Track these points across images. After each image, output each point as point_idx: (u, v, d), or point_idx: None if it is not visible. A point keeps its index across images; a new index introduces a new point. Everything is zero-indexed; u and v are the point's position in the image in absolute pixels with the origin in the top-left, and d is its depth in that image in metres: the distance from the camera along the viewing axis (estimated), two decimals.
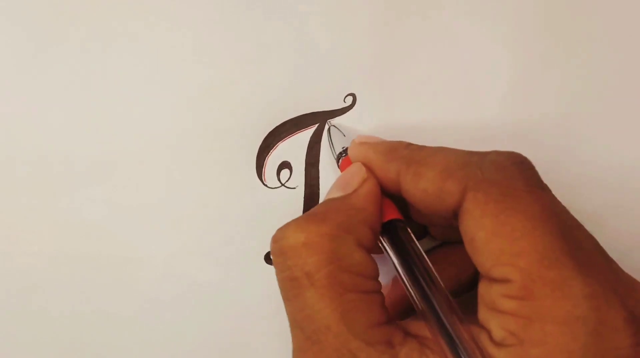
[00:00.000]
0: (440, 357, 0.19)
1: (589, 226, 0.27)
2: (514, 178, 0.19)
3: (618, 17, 0.27)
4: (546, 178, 0.27)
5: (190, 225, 0.27)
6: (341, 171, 0.25)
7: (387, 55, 0.27)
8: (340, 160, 0.26)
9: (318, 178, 0.28)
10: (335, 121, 0.27)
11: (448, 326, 0.19)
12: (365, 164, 0.23)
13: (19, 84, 0.27)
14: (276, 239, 0.20)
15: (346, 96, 0.27)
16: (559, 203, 0.20)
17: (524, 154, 0.27)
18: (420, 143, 0.25)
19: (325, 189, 0.28)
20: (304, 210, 0.28)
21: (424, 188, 0.20)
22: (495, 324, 0.18)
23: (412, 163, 0.21)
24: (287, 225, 0.20)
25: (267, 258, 0.28)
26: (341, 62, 0.27)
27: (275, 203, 0.27)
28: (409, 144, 0.22)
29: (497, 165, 0.20)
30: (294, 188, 0.27)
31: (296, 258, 0.19)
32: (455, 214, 0.20)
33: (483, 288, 0.19)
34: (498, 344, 0.18)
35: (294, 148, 0.27)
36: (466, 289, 0.23)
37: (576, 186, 0.27)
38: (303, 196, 0.27)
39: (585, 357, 0.17)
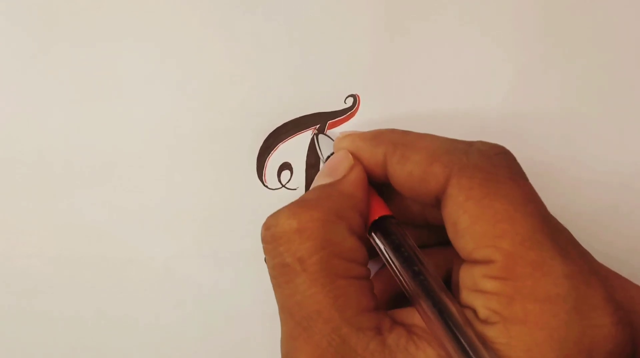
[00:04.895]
0: (428, 342, 0.19)
1: (590, 226, 0.27)
2: (498, 166, 0.20)
3: (619, 16, 0.27)
4: (547, 178, 0.27)
5: (191, 226, 0.27)
6: None
7: (388, 56, 0.27)
8: None
9: None
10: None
11: (448, 316, 0.19)
12: (352, 153, 0.23)
13: (19, 85, 0.27)
14: (268, 226, 0.20)
15: (347, 97, 0.27)
16: (537, 194, 0.20)
17: (527, 154, 0.27)
18: None
19: None
20: None
21: (409, 171, 0.21)
22: (479, 304, 0.18)
23: (398, 145, 0.21)
24: (279, 212, 0.20)
25: None
26: (342, 63, 0.27)
27: (276, 204, 0.27)
28: (394, 129, 0.23)
29: (483, 153, 0.20)
30: (295, 189, 0.27)
31: (289, 244, 0.19)
32: (437, 200, 0.20)
33: (464, 272, 0.19)
34: (483, 322, 0.18)
35: (295, 149, 0.27)
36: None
37: (577, 187, 0.27)
38: None
39: (567, 333, 0.17)
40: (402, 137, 0.22)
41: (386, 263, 0.21)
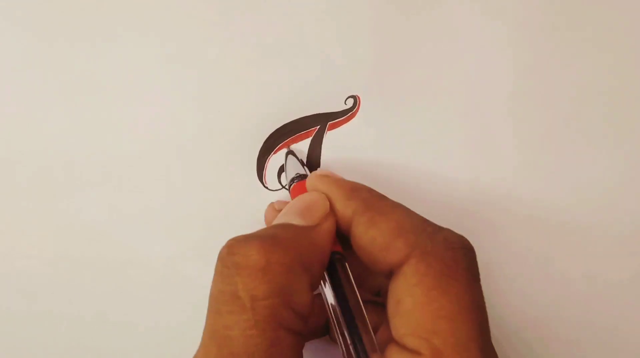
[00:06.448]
0: None
1: (590, 227, 0.27)
2: (459, 261, 0.20)
3: (623, 16, 0.27)
4: (549, 179, 0.27)
5: (191, 227, 0.27)
6: (292, 196, 0.25)
7: (388, 57, 0.27)
8: (292, 185, 0.25)
9: None
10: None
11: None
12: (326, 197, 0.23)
13: (19, 85, 0.27)
14: (233, 251, 0.19)
15: (347, 98, 0.27)
16: (484, 302, 0.20)
17: (529, 153, 0.27)
18: (422, 146, 0.25)
19: None
20: None
21: (373, 236, 0.21)
22: None
23: (370, 207, 0.21)
24: (249, 242, 0.19)
25: None
26: (342, 64, 0.27)
27: None
28: (371, 189, 0.23)
29: (448, 244, 0.20)
30: None
31: (249, 278, 0.19)
32: (389, 272, 0.20)
33: (390, 351, 0.19)
34: None
35: (295, 150, 0.27)
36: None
37: (580, 187, 0.27)
38: None
39: None
40: (376, 201, 0.22)
41: (324, 296, 0.21)
